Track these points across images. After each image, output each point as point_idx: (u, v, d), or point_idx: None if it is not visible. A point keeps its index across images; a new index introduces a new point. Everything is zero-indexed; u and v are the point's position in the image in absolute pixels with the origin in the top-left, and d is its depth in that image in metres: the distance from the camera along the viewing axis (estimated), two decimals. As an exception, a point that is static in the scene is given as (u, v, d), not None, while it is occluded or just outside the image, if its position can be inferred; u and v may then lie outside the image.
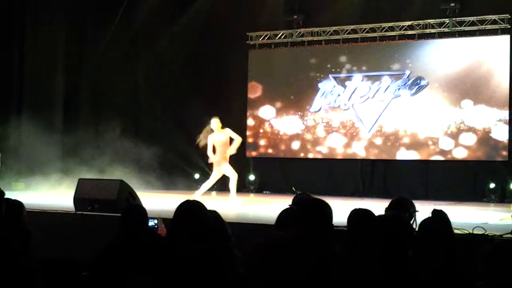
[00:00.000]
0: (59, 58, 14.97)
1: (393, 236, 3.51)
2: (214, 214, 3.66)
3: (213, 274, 3.45)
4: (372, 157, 14.67)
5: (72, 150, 14.60)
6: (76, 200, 8.63)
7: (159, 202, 10.47)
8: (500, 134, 13.45)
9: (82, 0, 15.10)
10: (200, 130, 15.58)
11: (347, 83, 14.86)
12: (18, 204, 5.31)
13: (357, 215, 4.30)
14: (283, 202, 9.41)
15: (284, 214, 4.31)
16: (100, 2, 15.29)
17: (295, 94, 15.37)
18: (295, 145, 15.29)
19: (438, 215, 4.15)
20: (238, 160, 15.81)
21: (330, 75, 15.03)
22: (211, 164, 11.68)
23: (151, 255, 3.71)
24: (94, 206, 8.34)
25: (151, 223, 5.28)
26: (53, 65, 14.87)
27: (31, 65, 14.55)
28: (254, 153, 15.81)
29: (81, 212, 8.33)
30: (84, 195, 8.62)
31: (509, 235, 6.38)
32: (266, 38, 15.74)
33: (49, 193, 12.12)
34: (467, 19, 13.84)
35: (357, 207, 4.44)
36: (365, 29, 14.72)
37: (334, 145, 14.96)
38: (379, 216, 4.05)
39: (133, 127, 15.68)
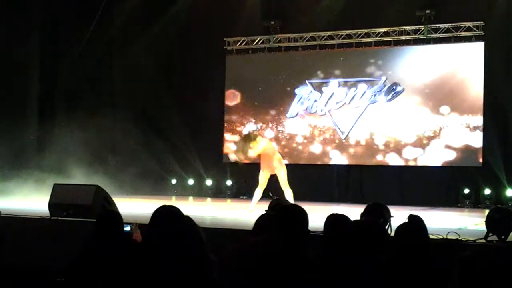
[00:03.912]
0: (34, 60, 14.78)
1: (368, 241, 3.54)
2: (188, 219, 3.65)
3: (189, 279, 3.44)
4: (348, 163, 14.74)
5: (47, 154, 14.46)
6: (51, 205, 8.53)
7: (135, 207, 10.42)
8: (474, 140, 13.60)
9: (57, 3, 14.96)
10: (176, 134, 15.64)
11: (323, 89, 14.93)
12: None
13: (334, 221, 4.31)
14: (260, 207, 9.43)
15: (261, 220, 4.32)
16: (76, 5, 15.16)
17: (272, 100, 15.40)
18: (272, 150, 15.28)
19: (415, 220, 4.17)
20: (215, 166, 15.86)
21: (306, 81, 15.08)
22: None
23: (126, 261, 3.69)
24: (69, 211, 8.25)
25: (126, 228, 5.25)
26: (28, 67, 14.69)
27: (5, 67, 14.34)
28: (231, 159, 15.78)
29: (56, 218, 8.23)
30: (59, 200, 8.52)
31: (482, 241, 6.43)
32: (243, 44, 15.76)
33: (23, 198, 11.98)
34: (442, 26, 14.00)
35: (334, 213, 4.44)
36: (342, 35, 14.81)
37: (310, 151, 15.01)
38: (355, 221, 4.07)
39: (109, 131, 15.58)
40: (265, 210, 5.07)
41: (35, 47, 14.75)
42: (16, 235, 7.86)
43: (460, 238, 6.50)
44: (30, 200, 11.55)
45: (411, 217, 4.23)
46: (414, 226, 4.12)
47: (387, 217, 6.03)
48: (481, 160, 13.51)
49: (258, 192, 10.77)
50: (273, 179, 10.88)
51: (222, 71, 15.81)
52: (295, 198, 10.09)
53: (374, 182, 14.48)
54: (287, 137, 15.24)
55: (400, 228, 4.12)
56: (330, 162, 14.88)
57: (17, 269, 5.74)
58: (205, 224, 7.66)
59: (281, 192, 10.72)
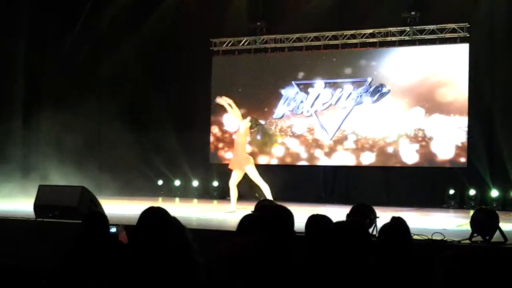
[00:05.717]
0: (20, 59, 14.68)
1: (352, 242, 3.56)
2: (175, 221, 3.66)
3: (176, 282, 3.44)
4: (334, 164, 14.77)
5: (32, 155, 14.39)
6: (36, 206, 8.50)
7: (121, 208, 10.39)
8: (459, 141, 13.68)
9: (44, 2, 14.88)
10: (163, 135, 15.61)
11: (309, 90, 14.96)
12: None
13: (315, 221, 4.33)
14: (246, 208, 9.44)
15: (245, 220, 4.32)
16: (63, 5, 15.09)
17: (258, 101, 15.40)
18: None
19: (397, 222, 4.21)
20: (202, 167, 15.83)
21: (293, 82, 15.11)
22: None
23: (112, 262, 3.69)
24: (54, 213, 8.23)
25: (112, 230, 5.24)
26: (13, 66, 14.59)
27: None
28: (217, 160, 15.79)
29: (41, 219, 8.20)
30: (44, 201, 8.49)
31: (467, 241, 6.48)
32: (229, 45, 15.75)
33: (7, 199, 11.91)
34: (427, 27, 14.07)
35: (315, 213, 4.46)
36: (328, 36, 14.85)
37: (296, 152, 15.03)
38: (339, 222, 4.09)
39: (95, 132, 15.51)
40: (251, 211, 5.08)
41: (21, 45, 14.65)
42: (0, 236, 7.83)
43: (445, 239, 6.55)
44: (15, 201, 11.49)
45: (394, 218, 4.28)
46: (396, 227, 4.16)
47: (373, 218, 6.09)
48: (466, 160, 13.59)
49: (233, 190, 10.88)
50: (265, 180, 10.95)
51: (209, 72, 15.78)
52: (282, 199, 10.11)
53: (360, 183, 14.53)
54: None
55: (383, 229, 4.16)
56: (316, 163, 14.90)
57: (2, 270, 5.71)
58: (191, 225, 7.67)
59: (258, 189, 10.82)
